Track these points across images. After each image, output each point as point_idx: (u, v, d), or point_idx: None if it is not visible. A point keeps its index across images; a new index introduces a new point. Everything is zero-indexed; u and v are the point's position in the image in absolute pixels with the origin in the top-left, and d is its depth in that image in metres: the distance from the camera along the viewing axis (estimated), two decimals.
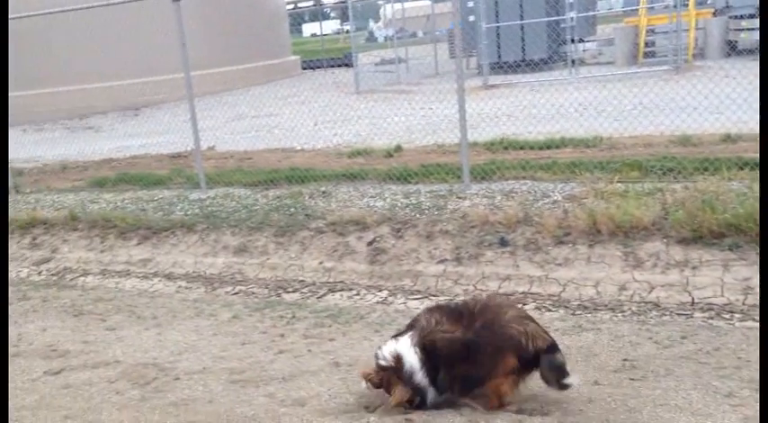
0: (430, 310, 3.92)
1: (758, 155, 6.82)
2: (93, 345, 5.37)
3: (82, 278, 7.55)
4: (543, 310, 5.41)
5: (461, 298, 5.85)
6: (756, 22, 15.89)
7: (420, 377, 3.67)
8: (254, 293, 6.49)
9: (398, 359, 3.68)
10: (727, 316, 4.89)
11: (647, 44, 17.52)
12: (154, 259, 7.60)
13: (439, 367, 3.68)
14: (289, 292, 6.43)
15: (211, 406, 4.14)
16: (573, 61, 16.59)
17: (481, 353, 3.60)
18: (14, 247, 8.61)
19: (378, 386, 3.82)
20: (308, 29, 62.01)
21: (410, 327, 3.86)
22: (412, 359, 3.67)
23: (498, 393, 3.68)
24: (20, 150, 11.69)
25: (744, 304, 4.98)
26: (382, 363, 3.73)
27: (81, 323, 5.96)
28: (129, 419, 3.99)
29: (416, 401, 3.74)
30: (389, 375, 3.73)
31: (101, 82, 17.19)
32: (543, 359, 3.61)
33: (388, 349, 3.74)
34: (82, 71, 15.96)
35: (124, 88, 18.03)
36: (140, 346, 5.26)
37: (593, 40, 19.98)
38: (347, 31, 20.93)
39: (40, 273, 7.93)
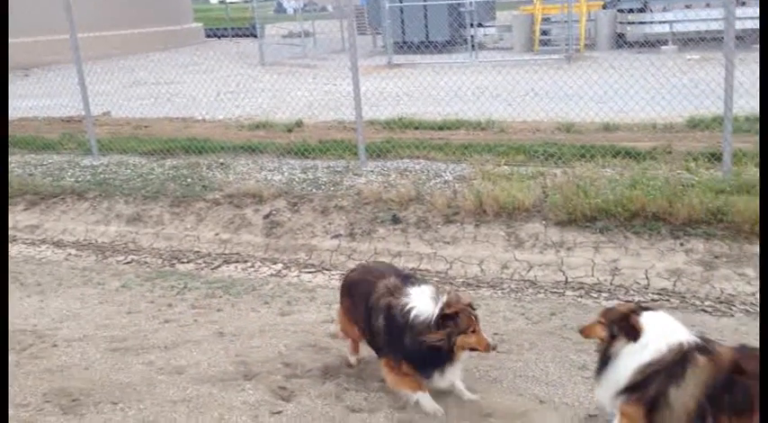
0: None
1: (633, 144, 7.34)
2: None
3: None
4: None
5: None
6: (642, 17, 16.70)
7: None
8: (146, 263, 6.45)
9: None
10: (595, 295, 5.23)
11: (543, 32, 18.00)
12: (42, 226, 7.39)
13: None
14: (183, 262, 6.43)
15: (87, 372, 4.19)
16: (473, 45, 16.91)
17: None
18: None
19: None
20: None
21: None
22: None
23: None
24: None
25: (611, 284, 5.32)
26: None
27: None
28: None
29: None
30: None
31: None
32: None
33: None
34: None
35: (13, 47, 17.04)
36: (20, 313, 5.19)
37: (492, 26, 20.39)
38: (255, 0, 20.50)
39: None
